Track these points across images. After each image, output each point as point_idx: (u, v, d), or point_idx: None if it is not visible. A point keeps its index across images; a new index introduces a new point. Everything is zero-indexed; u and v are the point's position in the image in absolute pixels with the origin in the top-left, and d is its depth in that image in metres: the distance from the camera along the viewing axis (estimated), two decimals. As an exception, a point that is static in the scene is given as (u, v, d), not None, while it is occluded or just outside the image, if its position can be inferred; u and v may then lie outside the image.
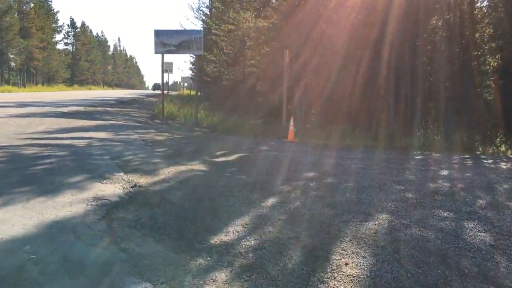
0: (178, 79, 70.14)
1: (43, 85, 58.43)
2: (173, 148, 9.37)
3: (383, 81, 14.07)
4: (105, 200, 4.92)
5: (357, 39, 14.53)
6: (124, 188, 5.55)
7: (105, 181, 5.84)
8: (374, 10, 14.12)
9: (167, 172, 6.79)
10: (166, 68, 38.92)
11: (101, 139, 9.91)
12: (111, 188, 5.51)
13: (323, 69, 15.43)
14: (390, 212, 4.99)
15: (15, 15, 50.68)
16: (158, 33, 19.03)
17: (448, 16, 13.78)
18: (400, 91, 14.11)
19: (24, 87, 49.71)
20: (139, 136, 10.89)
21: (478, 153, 10.92)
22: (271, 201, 5.32)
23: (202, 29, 19.11)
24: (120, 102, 26.43)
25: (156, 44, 19.11)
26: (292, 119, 11.88)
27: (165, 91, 47.57)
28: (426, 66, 14.00)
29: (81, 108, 18.93)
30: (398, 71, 13.76)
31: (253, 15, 16.30)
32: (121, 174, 6.34)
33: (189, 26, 37.99)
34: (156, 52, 19.55)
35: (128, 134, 11.30)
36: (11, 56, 51.02)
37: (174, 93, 62.48)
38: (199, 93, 43.80)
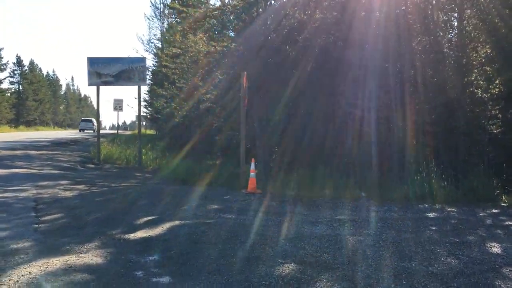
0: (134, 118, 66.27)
1: (-18, 126, 53.43)
2: (74, 214, 6.09)
3: (362, 112, 11.38)
4: None
5: (330, 63, 11.88)
6: None
7: None
8: (350, 28, 11.58)
9: (17, 278, 3.53)
10: (116, 105, 35.65)
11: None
12: None
13: (290, 99, 12.63)
14: None
15: None
16: (92, 62, 15.86)
17: (437, 35, 11.42)
18: (384, 125, 11.43)
19: (-43, 129, 44.90)
20: (34, 193, 7.52)
21: (504, 204, 8.16)
22: None
23: (143, 57, 15.89)
24: (56, 144, 22.69)
25: (90, 74, 15.90)
26: (254, 162, 8.84)
27: (117, 131, 44.08)
28: (414, 94, 11.44)
29: None
30: (381, 99, 11.12)
31: (203, 38, 13.59)
32: None
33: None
34: (89, 84, 16.32)
35: (22, 188, 7.90)
36: None
37: (128, 132, 58.72)
38: (157, 132, 40.62)
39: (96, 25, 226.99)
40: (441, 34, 12.05)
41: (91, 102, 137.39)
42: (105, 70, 15.82)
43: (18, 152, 15.67)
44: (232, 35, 15.07)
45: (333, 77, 12.06)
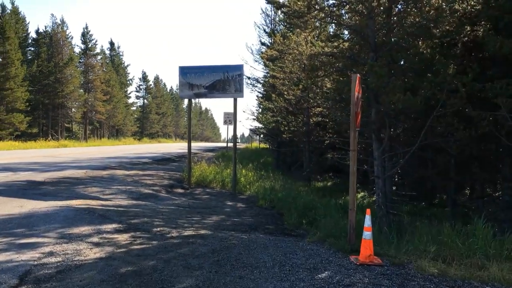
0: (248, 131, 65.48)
1: (108, 138, 56.71)
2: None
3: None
4: None
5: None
6: None
7: None
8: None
9: None
10: (226, 119, 34.39)
11: None
12: None
13: (423, 113, 9.19)
14: None
15: (77, 67, 49.66)
16: (184, 71, 13.95)
17: None
18: None
19: (86, 141, 47.68)
20: (41, 254, 5.19)
21: None
22: None
23: (240, 64, 13.48)
24: (157, 160, 21.58)
25: (181, 85, 14.02)
26: (369, 214, 5.48)
27: (227, 144, 43.12)
28: None
29: (81, 172, 13.97)
30: None
31: (310, 37, 10.79)
32: None
33: (247, 71, 32.87)
34: (181, 97, 14.48)
35: (33, 242, 5.67)
36: (72, 109, 49.66)
37: (241, 146, 58.12)
38: (270, 147, 38.63)
39: (215, 42, 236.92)
40: None
41: (211, 115, 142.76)
42: (198, 81, 13.80)
43: (105, 173, 14.27)
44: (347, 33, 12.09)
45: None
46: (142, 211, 8.53)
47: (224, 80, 13.60)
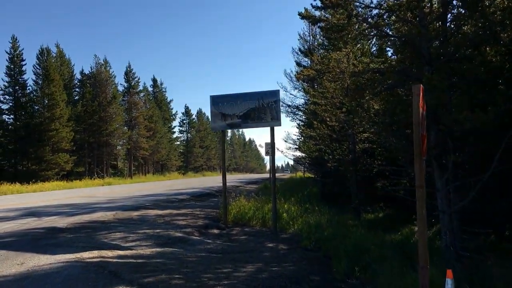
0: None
1: (153, 174, 56.80)
2: None
3: None
4: None
5: None
6: None
7: None
8: None
9: None
10: (268, 150, 33.29)
11: None
12: None
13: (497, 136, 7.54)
14: None
15: (120, 105, 50.31)
16: (216, 101, 12.89)
17: None
18: None
19: (131, 177, 47.73)
20: None
21: None
22: None
23: (278, 89, 12.32)
24: (197, 196, 20.68)
25: (213, 116, 12.94)
26: (451, 277, 3.81)
27: (270, 175, 41.81)
28: None
29: (110, 214, 13.04)
30: None
31: (351, 54, 9.48)
32: None
33: (287, 99, 31.63)
34: (213, 128, 13.47)
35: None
36: (117, 147, 50.15)
37: (286, 176, 56.68)
38: (315, 176, 37.01)
39: (253, 71, 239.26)
40: None
41: (255, 145, 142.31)
42: (231, 110, 12.68)
43: (136, 214, 13.28)
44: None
45: None
46: (164, 262, 7.26)
47: (259, 108, 12.41)
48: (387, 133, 10.22)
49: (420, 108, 4.48)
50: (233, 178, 48.21)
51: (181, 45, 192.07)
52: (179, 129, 74.68)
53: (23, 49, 42.17)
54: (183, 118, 75.43)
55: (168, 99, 71.04)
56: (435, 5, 8.69)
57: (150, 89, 67.66)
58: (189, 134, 75.49)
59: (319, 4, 8.92)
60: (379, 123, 10.51)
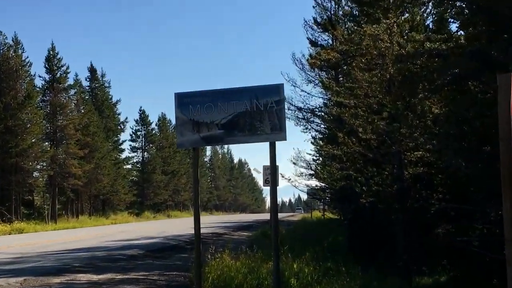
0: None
1: (90, 216, 57.12)
2: None
3: None
4: None
5: None
6: None
7: None
8: None
9: None
10: (267, 178, 33.56)
11: None
12: None
13: None
14: None
15: (38, 109, 50.37)
16: (183, 101, 12.54)
17: None
18: None
19: (55, 221, 47.83)
20: None
21: None
22: None
23: (281, 83, 12.19)
24: (152, 251, 21.05)
25: (180, 125, 12.52)
26: None
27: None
28: None
29: (14, 282, 13.03)
30: None
31: (397, 22, 9.34)
32: None
33: (298, 100, 31.64)
34: (180, 146, 13.35)
35: None
36: (34, 173, 50.22)
37: (296, 217, 57.38)
38: (341, 217, 37.29)
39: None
40: None
41: (248, 170, 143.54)
42: (208, 116, 12.37)
43: (55, 282, 13.14)
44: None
45: None
46: None
47: (253, 113, 12.12)
48: (453, 151, 10.22)
49: (510, 111, 4.26)
50: (214, 221, 48.67)
51: (132, 20, 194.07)
52: (130, 145, 75.33)
53: None
54: (137, 128, 76.02)
55: (114, 99, 71.81)
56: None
57: (85, 83, 68.21)
58: (146, 153, 76.10)
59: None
60: (440, 135, 10.53)
